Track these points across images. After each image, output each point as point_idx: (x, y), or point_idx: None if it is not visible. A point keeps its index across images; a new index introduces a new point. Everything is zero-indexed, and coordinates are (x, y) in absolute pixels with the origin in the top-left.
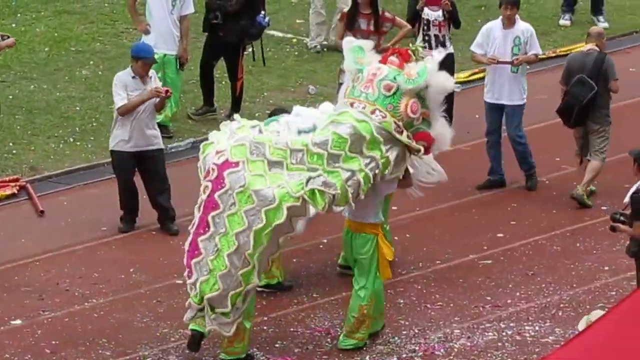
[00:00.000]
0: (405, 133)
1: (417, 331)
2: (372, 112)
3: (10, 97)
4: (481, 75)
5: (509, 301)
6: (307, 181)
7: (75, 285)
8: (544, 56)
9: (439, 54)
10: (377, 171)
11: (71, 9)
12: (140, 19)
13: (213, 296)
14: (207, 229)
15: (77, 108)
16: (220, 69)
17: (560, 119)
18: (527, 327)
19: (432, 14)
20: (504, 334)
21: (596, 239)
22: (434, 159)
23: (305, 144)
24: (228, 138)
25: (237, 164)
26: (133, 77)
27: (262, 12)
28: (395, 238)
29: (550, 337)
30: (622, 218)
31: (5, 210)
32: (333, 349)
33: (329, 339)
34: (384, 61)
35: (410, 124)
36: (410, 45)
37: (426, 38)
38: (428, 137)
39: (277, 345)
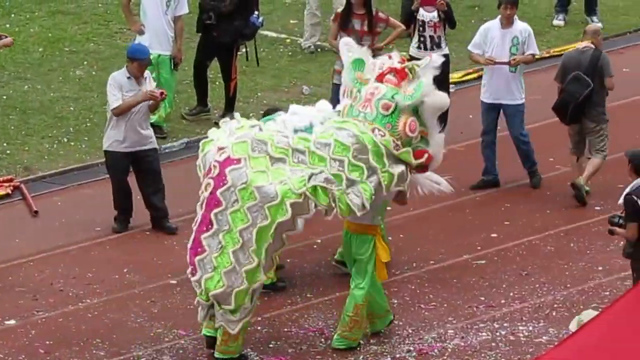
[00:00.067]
0: (402, 150)
1: (411, 331)
2: (372, 131)
3: (4, 97)
4: (475, 75)
5: (502, 301)
6: (309, 177)
7: (69, 285)
8: (537, 56)
9: (437, 58)
10: (378, 186)
11: (65, 9)
12: (135, 19)
13: (217, 293)
14: (210, 226)
15: (71, 108)
16: (214, 69)
17: (557, 116)
18: (520, 327)
19: (427, 15)
20: (497, 334)
21: (590, 240)
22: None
23: (308, 146)
24: (228, 136)
25: (238, 160)
26: (128, 78)
27: (256, 13)
28: (390, 238)
29: (544, 337)
30: (620, 221)
31: None
32: (327, 349)
33: (322, 339)
34: (380, 79)
35: (408, 143)
36: (406, 54)
37: (421, 39)
38: (428, 157)
39: (271, 346)
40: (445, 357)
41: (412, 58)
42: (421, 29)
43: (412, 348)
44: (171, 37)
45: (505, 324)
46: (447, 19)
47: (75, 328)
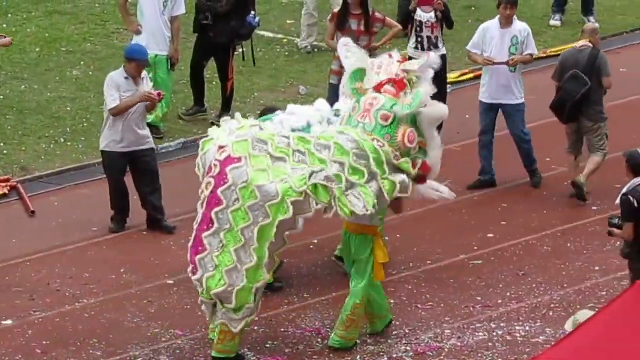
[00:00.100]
0: (402, 160)
1: (407, 331)
2: (372, 140)
3: (1, 97)
4: (471, 76)
5: (499, 301)
6: (310, 176)
7: (66, 285)
8: (534, 57)
9: (435, 57)
10: (379, 192)
11: (62, 9)
12: (132, 20)
13: (219, 292)
14: (210, 225)
15: (68, 108)
16: (211, 69)
17: (554, 114)
18: (517, 328)
19: (424, 15)
20: (494, 334)
21: (587, 239)
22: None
23: (308, 148)
24: (228, 135)
25: (239, 159)
26: (126, 78)
27: (253, 13)
28: (386, 238)
29: (541, 337)
30: (619, 222)
31: None
32: (324, 349)
33: (319, 339)
34: (379, 89)
35: (407, 154)
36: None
37: (419, 39)
38: (424, 166)
39: (267, 346)
40: (442, 357)
41: (410, 58)
42: (419, 29)
43: (409, 348)
44: (168, 37)
45: (502, 324)
46: (445, 19)
47: (72, 328)
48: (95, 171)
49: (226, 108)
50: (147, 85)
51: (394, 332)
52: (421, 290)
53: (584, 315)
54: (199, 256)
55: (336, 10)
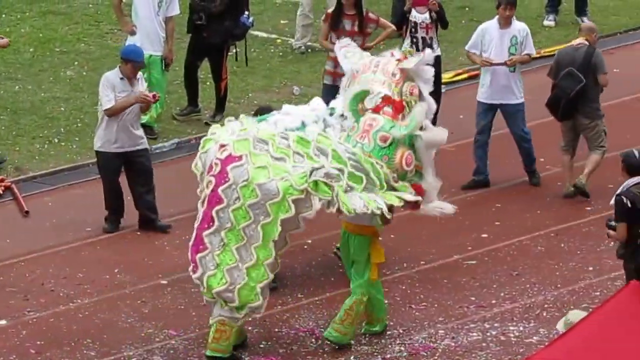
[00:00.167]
0: (400, 183)
1: (401, 331)
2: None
3: None
4: (465, 76)
5: (493, 301)
6: (310, 173)
7: (60, 285)
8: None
9: (430, 54)
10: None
11: (56, 9)
12: (126, 20)
13: (221, 290)
14: (211, 223)
15: (62, 109)
16: (204, 69)
17: (550, 112)
18: (511, 328)
19: (419, 16)
20: (488, 334)
21: (580, 240)
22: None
23: (307, 152)
24: (230, 134)
25: (240, 157)
26: (121, 79)
27: (246, 13)
28: (380, 239)
29: (535, 338)
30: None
31: None
32: (317, 349)
33: (313, 339)
34: (377, 110)
35: (403, 176)
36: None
37: (414, 40)
38: (419, 190)
39: (261, 346)
40: (435, 358)
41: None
42: (413, 30)
43: (402, 348)
44: (162, 37)
45: (495, 324)
46: (439, 19)
47: (66, 328)
48: (89, 171)
49: (220, 108)
50: (142, 86)
51: (388, 332)
52: (415, 291)
53: (575, 315)
54: (199, 255)
55: (330, 10)
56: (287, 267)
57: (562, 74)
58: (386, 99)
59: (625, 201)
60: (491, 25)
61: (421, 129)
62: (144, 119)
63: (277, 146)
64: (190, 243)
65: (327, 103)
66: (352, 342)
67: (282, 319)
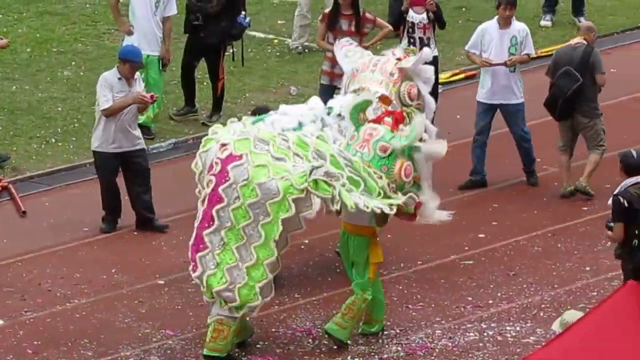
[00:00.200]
0: (398, 194)
1: (398, 331)
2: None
3: None
4: (462, 76)
5: (490, 301)
6: (310, 172)
7: (57, 285)
8: None
9: (428, 52)
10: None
11: (53, 10)
12: (123, 20)
13: (221, 289)
14: (211, 222)
15: (59, 109)
16: (201, 69)
17: (548, 112)
18: (508, 328)
19: (416, 16)
20: (485, 334)
21: (577, 240)
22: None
23: (306, 155)
24: (232, 135)
25: (240, 157)
26: (119, 79)
27: (243, 13)
28: (377, 239)
29: (532, 338)
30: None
31: None
32: (314, 349)
33: (310, 340)
34: (379, 121)
35: (401, 187)
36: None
37: (411, 40)
38: (417, 202)
39: (258, 346)
40: (432, 358)
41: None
42: (410, 30)
43: (399, 348)
44: (160, 37)
45: (492, 324)
46: (437, 19)
47: (63, 328)
48: (86, 171)
49: (217, 108)
50: (139, 86)
51: (385, 332)
52: (412, 291)
53: (571, 315)
54: (199, 254)
55: (327, 10)
56: (284, 267)
57: (559, 73)
58: (387, 111)
59: (622, 201)
60: (491, 25)
61: (420, 140)
62: (141, 119)
63: (278, 147)
64: (191, 242)
65: (325, 103)
66: (350, 342)
67: (279, 319)
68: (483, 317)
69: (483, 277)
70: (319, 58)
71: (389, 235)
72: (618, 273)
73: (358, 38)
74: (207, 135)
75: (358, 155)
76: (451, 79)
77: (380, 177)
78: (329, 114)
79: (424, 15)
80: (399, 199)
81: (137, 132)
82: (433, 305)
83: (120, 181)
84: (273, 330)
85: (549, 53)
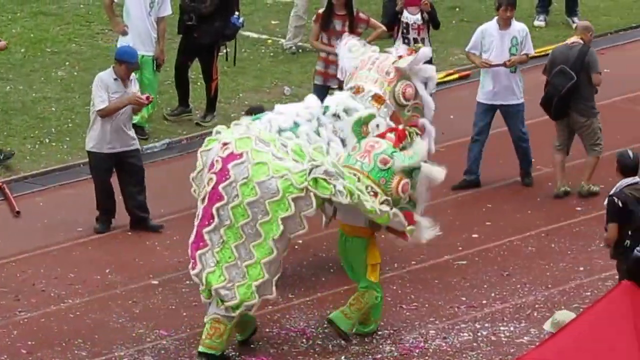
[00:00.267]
0: (393, 209)
1: (392, 331)
2: (365, 188)
3: None
4: (456, 76)
5: (484, 302)
6: (310, 171)
7: (51, 285)
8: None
9: (425, 52)
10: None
11: (47, 10)
12: (117, 20)
13: (219, 287)
14: (211, 220)
15: (53, 109)
16: (195, 70)
17: (544, 111)
18: (502, 328)
19: (411, 17)
20: (479, 334)
21: (571, 240)
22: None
23: (302, 162)
24: (234, 135)
25: (241, 155)
26: (115, 79)
27: (236, 13)
28: (375, 240)
29: (525, 338)
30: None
31: None
32: (308, 349)
33: (304, 340)
34: (382, 136)
35: (397, 202)
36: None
37: (405, 41)
38: (411, 218)
39: (252, 346)
40: (426, 358)
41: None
42: (405, 31)
43: (393, 348)
44: (154, 38)
45: (486, 325)
46: (431, 19)
47: (57, 328)
48: (80, 171)
49: (210, 109)
50: (134, 87)
51: (379, 333)
52: (406, 291)
53: (562, 315)
54: (199, 251)
55: (321, 10)
56: None
57: (554, 72)
58: (390, 128)
59: (616, 202)
60: (491, 26)
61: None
62: (135, 119)
63: (278, 149)
64: (191, 240)
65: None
66: (351, 338)
67: (273, 319)
68: (477, 317)
69: (477, 277)
70: (313, 58)
71: (382, 236)
72: (612, 273)
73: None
74: (199, 134)
75: (358, 165)
76: (445, 79)
77: (376, 194)
78: (325, 112)
79: (419, 16)
80: (375, 206)
81: (132, 133)
82: (427, 306)
83: (114, 181)
84: (267, 330)
85: (543, 53)
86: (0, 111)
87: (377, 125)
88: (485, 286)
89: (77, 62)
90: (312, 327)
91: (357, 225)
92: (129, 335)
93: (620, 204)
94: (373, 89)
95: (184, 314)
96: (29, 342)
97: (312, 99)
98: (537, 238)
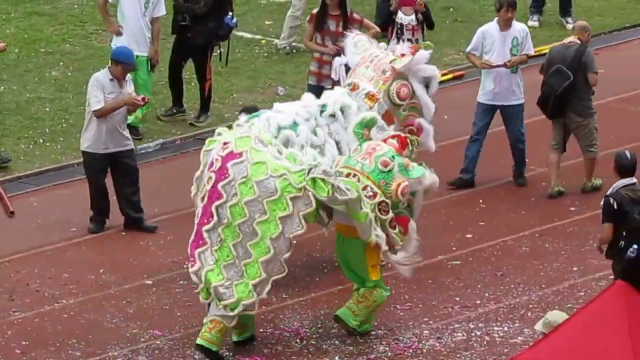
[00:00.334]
0: (389, 215)
1: (386, 332)
2: (364, 188)
3: None
4: (450, 76)
5: (478, 302)
6: (309, 171)
7: (45, 285)
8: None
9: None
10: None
11: (41, 10)
12: (111, 20)
13: (218, 285)
14: (210, 218)
15: (47, 109)
16: (189, 70)
17: (541, 110)
18: (496, 328)
19: (405, 18)
20: (473, 334)
21: (565, 240)
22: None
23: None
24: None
25: (240, 154)
26: (111, 80)
27: (230, 14)
28: None
29: (519, 338)
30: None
31: None
32: (302, 349)
33: (298, 340)
34: (384, 140)
35: (396, 206)
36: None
37: (400, 42)
38: (406, 224)
39: (246, 346)
40: (420, 358)
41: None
42: (399, 32)
43: (387, 348)
44: (149, 38)
45: (480, 325)
46: (425, 19)
47: (51, 328)
48: (74, 171)
49: (204, 109)
50: (130, 87)
51: (373, 333)
52: (400, 291)
53: (554, 315)
54: (198, 249)
55: (315, 11)
56: None
57: (551, 71)
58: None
59: (612, 202)
60: (491, 27)
61: None
62: (130, 119)
63: (274, 152)
64: (191, 239)
65: None
66: (369, 329)
67: (266, 319)
68: (471, 317)
69: (471, 277)
70: (307, 59)
71: None
72: (605, 273)
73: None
74: (193, 134)
75: (359, 165)
76: (439, 79)
77: (375, 195)
78: (322, 112)
79: (413, 16)
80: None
81: (127, 133)
82: (421, 306)
83: (109, 181)
84: (261, 330)
85: (537, 53)
86: None
87: (378, 130)
88: (479, 286)
89: (71, 62)
90: (306, 327)
91: (353, 226)
92: (123, 335)
93: (616, 206)
94: (367, 87)
95: (178, 314)
96: (23, 342)
97: (309, 97)
98: (531, 238)
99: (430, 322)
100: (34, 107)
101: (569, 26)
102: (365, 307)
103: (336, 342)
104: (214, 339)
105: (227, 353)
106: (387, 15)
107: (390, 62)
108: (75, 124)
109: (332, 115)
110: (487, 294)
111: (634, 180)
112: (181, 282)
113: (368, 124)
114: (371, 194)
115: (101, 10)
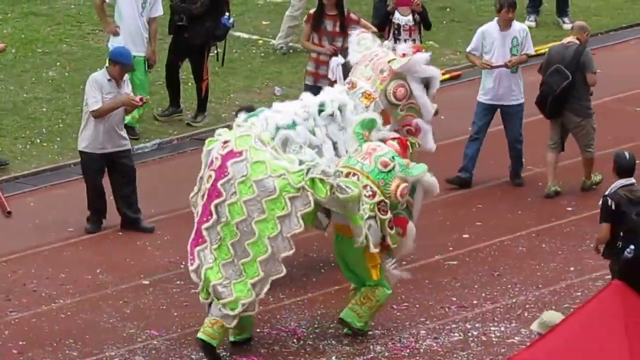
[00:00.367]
0: (388, 215)
1: (383, 332)
2: (363, 187)
3: None
4: (447, 76)
5: (474, 302)
6: (307, 171)
7: (42, 285)
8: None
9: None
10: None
11: (38, 10)
12: (108, 21)
13: (217, 283)
14: (209, 217)
15: (44, 109)
16: (186, 70)
17: (539, 110)
18: (492, 328)
19: (402, 18)
20: (469, 334)
21: (562, 240)
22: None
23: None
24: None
25: (240, 153)
26: (109, 80)
27: (227, 14)
28: None
29: (516, 338)
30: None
31: None
32: (299, 349)
33: (295, 340)
34: (384, 142)
35: (395, 206)
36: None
37: (397, 42)
38: (404, 226)
39: (243, 346)
40: (417, 358)
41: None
42: (396, 32)
43: (384, 348)
44: (146, 38)
45: (477, 325)
46: (422, 20)
47: (48, 328)
48: (71, 172)
49: (201, 109)
50: (127, 88)
51: (369, 333)
52: (396, 291)
53: (550, 315)
54: (198, 247)
55: (312, 11)
56: None
57: (550, 71)
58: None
59: (609, 203)
60: (491, 27)
61: None
62: (126, 119)
63: (277, 150)
64: (191, 237)
65: None
66: (367, 329)
67: (263, 319)
68: (467, 317)
69: (467, 277)
70: (304, 59)
71: None
72: (602, 273)
73: (342, 39)
74: (190, 135)
75: (359, 165)
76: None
77: (374, 194)
78: (320, 111)
79: (410, 17)
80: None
81: (124, 133)
82: (417, 306)
83: (106, 181)
84: (258, 330)
85: (535, 53)
86: None
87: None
88: (476, 286)
89: (68, 62)
90: (303, 327)
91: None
92: (120, 336)
93: (614, 206)
94: (365, 86)
95: (175, 314)
96: (20, 342)
97: (308, 97)
98: (527, 238)
99: (427, 322)
100: (31, 107)
101: (566, 26)
102: (369, 308)
103: (333, 342)
104: (215, 334)
105: (224, 353)
106: (384, 16)
107: (389, 62)
108: (72, 124)
109: (331, 115)
110: (484, 294)
111: (632, 180)
112: (178, 282)
113: (368, 126)
114: (370, 193)
115: (98, 10)
